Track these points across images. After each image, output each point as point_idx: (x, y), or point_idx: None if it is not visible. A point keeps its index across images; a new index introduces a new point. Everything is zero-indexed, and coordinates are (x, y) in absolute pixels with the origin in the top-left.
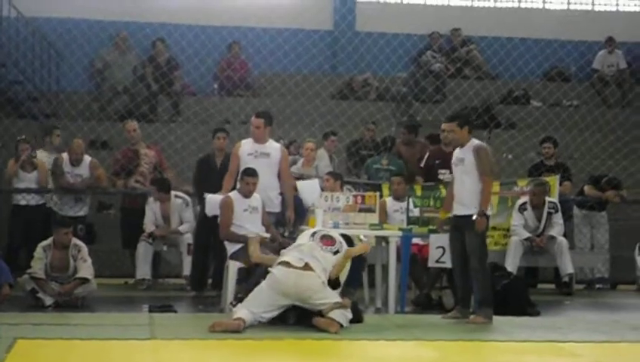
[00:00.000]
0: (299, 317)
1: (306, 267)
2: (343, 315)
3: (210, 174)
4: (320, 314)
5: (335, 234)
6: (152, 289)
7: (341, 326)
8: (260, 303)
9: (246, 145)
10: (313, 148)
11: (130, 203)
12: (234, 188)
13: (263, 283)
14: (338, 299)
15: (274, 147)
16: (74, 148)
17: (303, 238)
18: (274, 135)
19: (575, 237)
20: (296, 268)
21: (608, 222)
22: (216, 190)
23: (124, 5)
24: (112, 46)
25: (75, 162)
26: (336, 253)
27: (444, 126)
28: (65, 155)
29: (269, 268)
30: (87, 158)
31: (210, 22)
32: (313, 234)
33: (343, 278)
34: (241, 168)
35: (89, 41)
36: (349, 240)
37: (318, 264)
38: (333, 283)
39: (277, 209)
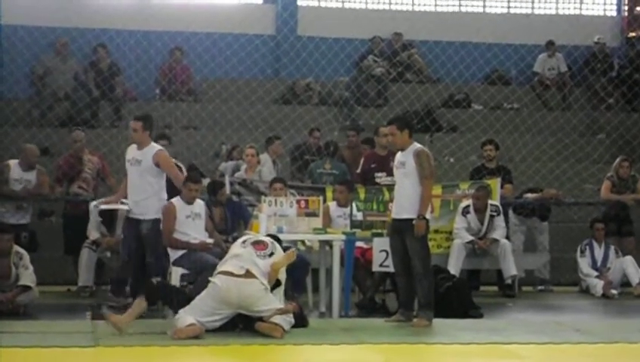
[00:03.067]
0: (246, 324)
1: (248, 274)
2: (285, 320)
3: None
4: (262, 319)
5: (263, 237)
6: (95, 297)
7: (284, 330)
8: (202, 312)
9: (128, 152)
10: (254, 155)
11: (72, 209)
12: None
13: (204, 293)
14: (280, 305)
15: (147, 152)
16: (27, 154)
17: (236, 248)
18: (217, 140)
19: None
20: (238, 276)
21: (549, 223)
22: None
23: (65, 11)
24: (52, 52)
25: (29, 168)
26: (271, 254)
27: (385, 130)
28: (12, 162)
29: (210, 278)
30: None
31: (152, 27)
32: (243, 242)
33: (282, 277)
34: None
35: (29, 48)
36: (277, 240)
37: (258, 270)
38: (274, 285)
39: (152, 216)
